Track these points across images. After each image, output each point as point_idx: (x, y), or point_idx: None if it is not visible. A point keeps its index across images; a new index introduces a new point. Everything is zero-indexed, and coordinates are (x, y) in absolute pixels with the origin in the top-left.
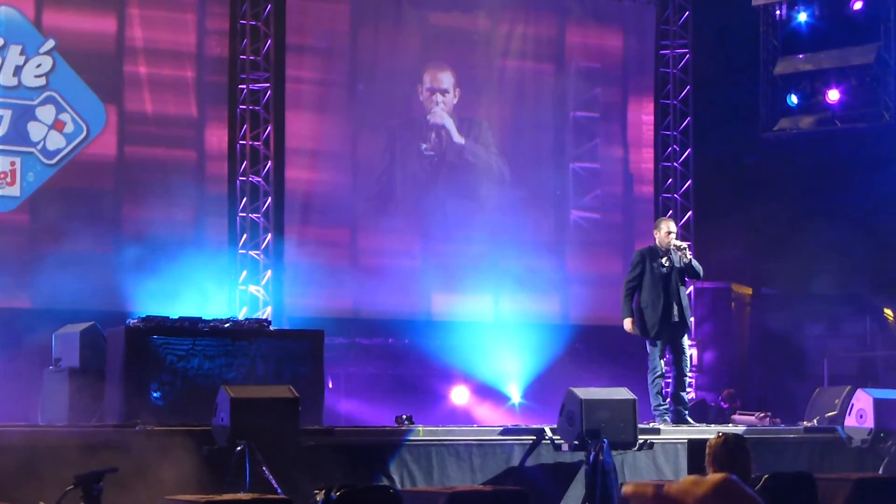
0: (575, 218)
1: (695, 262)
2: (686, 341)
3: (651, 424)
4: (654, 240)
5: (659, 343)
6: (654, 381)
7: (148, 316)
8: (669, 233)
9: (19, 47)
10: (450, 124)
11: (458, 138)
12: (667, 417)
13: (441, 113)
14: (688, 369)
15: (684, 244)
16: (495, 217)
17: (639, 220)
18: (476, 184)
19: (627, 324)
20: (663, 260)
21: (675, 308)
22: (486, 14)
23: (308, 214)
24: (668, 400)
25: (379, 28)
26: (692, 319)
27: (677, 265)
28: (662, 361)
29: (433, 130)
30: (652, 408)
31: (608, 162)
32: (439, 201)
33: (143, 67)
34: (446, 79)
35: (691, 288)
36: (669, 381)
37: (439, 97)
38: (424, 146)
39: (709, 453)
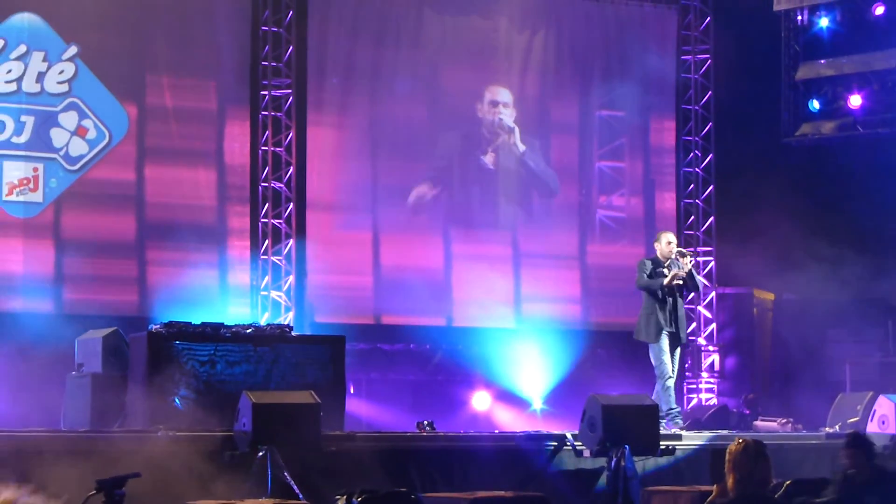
0: (601, 217)
1: (695, 272)
2: (679, 349)
3: (672, 430)
4: (656, 252)
5: (663, 348)
6: (664, 385)
7: (170, 321)
8: (669, 243)
9: (42, 54)
10: (517, 130)
11: (521, 145)
12: (679, 421)
13: (508, 119)
14: (675, 373)
15: (687, 250)
16: (519, 218)
17: (660, 226)
18: (528, 192)
19: (670, 277)
20: (665, 272)
21: (672, 320)
22: (507, 20)
23: (330, 220)
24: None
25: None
26: (713, 326)
27: (678, 279)
28: (668, 366)
29: (500, 133)
30: (663, 412)
31: (629, 167)
32: (480, 205)
33: (165, 73)
34: (505, 93)
35: (712, 294)
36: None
37: (502, 108)
38: (484, 157)
39: (728, 459)
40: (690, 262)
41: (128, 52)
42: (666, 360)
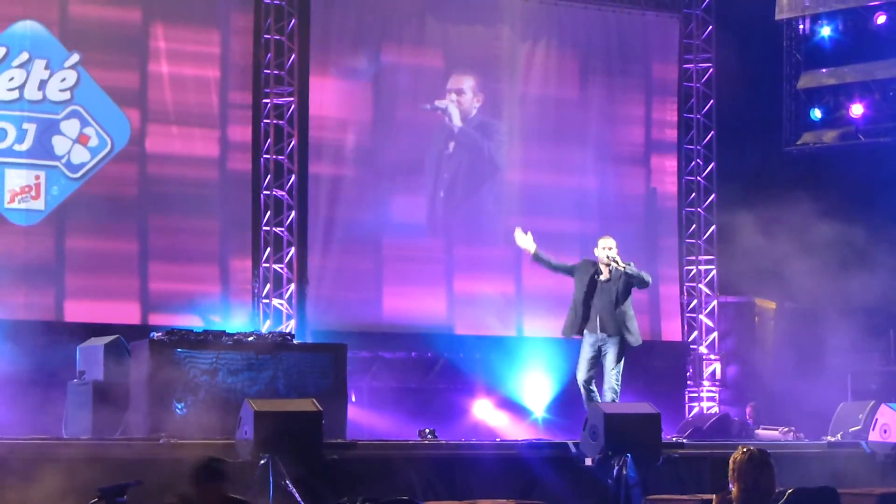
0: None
1: (634, 271)
2: (611, 359)
3: (673, 438)
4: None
5: (585, 350)
6: (580, 384)
7: (172, 329)
8: (605, 248)
9: (44, 62)
10: (453, 111)
11: (457, 122)
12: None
13: (448, 104)
14: (608, 388)
15: (613, 256)
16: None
17: (662, 235)
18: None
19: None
20: (600, 277)
21: (600, 320)
22: (509, 28)
23: (332, 229)
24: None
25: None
26: (714, 335)
27: (616, 282)
28: (585, 366)
29: (437, 115)
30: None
31: (630, 176)
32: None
33: (168, 83)
34: (466, 82)
35: (714, 303)
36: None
37: (454, 96)
38: (447, 151)
39: (733, 468)
40: (622, 264)
41: (129, 58)
42: (583, 361)
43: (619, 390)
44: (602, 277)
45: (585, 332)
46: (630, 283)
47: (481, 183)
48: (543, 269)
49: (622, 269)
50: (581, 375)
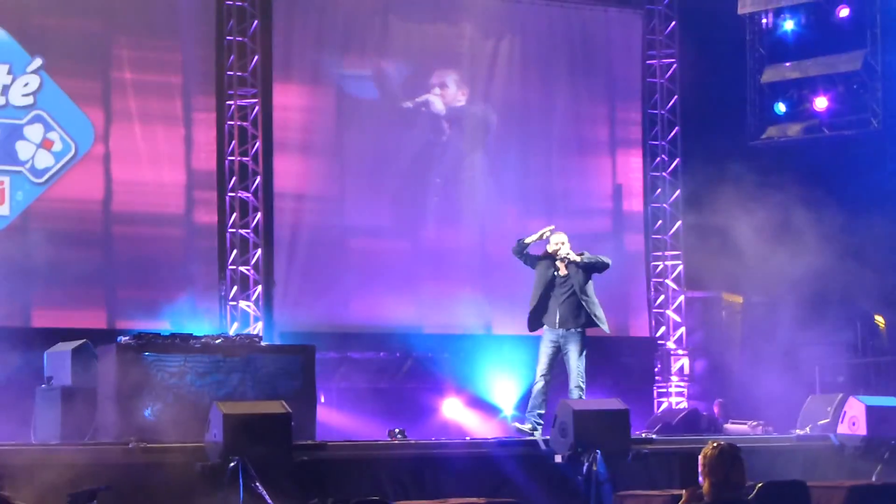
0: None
1: (588, 258)
2: (573, 353)
3: (642, 434)
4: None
5: (543, 347)
6: (532, 383)
7: (139, 333)
8: (557, 243)
9: (6, 66)
10: (435, 101)
11: (439, 108)
12: (528, 426)
13: (431, 97)
14: (574, 386)
15: (571, 253)
16: (488, 225)
17: (627, 231)
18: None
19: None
20: (558, 273)
21: (559, 315)
22: (472, 27)
23: (298, 230)
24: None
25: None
26: (682, 330)
27: (574, 276)
28: (543, 366)
29: (422, 110)
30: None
31: (596, 173)
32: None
33: (130, 88)
34: (450, 77)
35: (681, 298)
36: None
37: (437, 90)
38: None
39: (703, 463)
40: (573, 255)
41: (92, 63)
42: (541, 360)
43: (584, 387)
44: (560, 273)
45: (545, 326)
46: (589, 272)
47: (454, 180)
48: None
49: (578, 259)
50: (540, 370)
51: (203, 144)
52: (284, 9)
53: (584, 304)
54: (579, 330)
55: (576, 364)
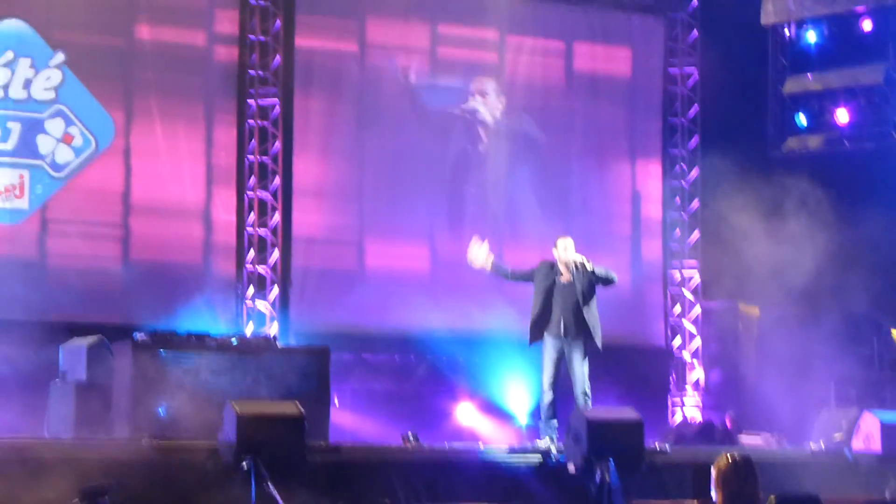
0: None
1: (599, 270)
2: (577, 362)
3: (656, 444)
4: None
5: (546, 358)
6: (541, 396)
7: (155, 330)
8: (566, 248)
9: (29, 60)
10: (482, 109)
11: (489, 118)
12: (550, 435)
13: (476, 104)
14: (581, 392)
15: (580, 257)
16: (506, 229)
17: (645, 239)
18: (514, 164)
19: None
20: (561, 278)
21: (563, 323)
22: (495, 29)
23: (316, 228)
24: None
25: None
26: (698, 341)
27: (579, 282)
28: (548, 378)
29: (471, 118)
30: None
31: (614, 180)
32: (457, 202)
33: (153, 81)
34: (489, 84)
35: (697, 309)
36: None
37: (479, 97)
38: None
39: (716, 475)
40: (589, 265)
41: (114, 59)
42: (545, 372)
43: (590, 393)
44: (562, 279)
45: (546, 335)
46: (594, 282)
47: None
48: (502, 279)
49: (590, 268)
50: (547, 380)
51: (223, 143)
52: (307, 8)
53: (585, 313)
54: (582, 338)
55: (580, 370)
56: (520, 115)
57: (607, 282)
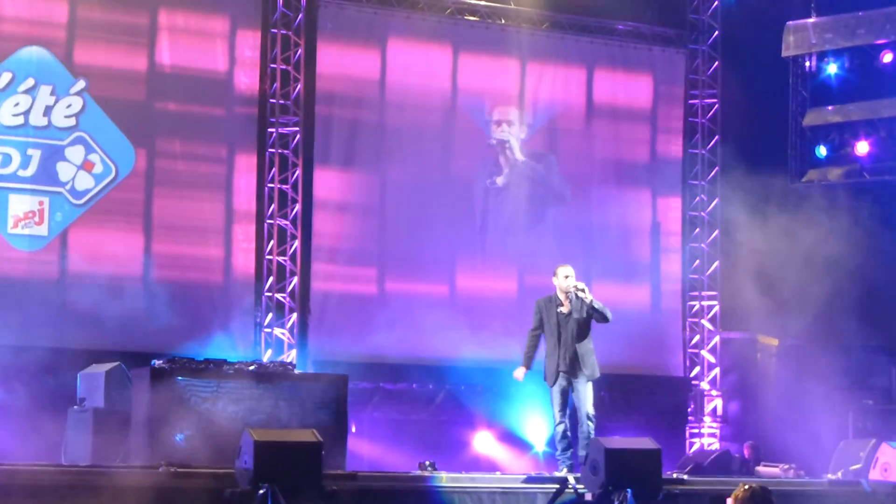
0: (602, 261)
1: (597, 304)
2: (581, 391)
3: (673, 474)
4: (555, 288)
5: (554, 391)
6: (554, 429)
7: (173, 357)
8: (567, 276)
9: (50, 87)
10: (512, 141)
11: (520, 156)
12: (567, 464)
13: (506, 132)
14: (586, 418)
15: (581, 284)
16: (526, 259)
17: (664, 270)
18: (538, 207)
19: (518, 372)
20: (561, 309)
21: (565, 358)
22: (517, 58)
23: (335, 257)
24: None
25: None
26: (716, 371)
27: (576, 314)
28: (558, 410)
29: (503, 149)
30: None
31: (635, 211)
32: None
33: (174, 109)
34: (513, 112)
35: (716, 339)
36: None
37: (506, 126)
38: (489, 181)
39: None
40: (589, 295)
41: (136, 86)
42: (553, 404)
43: (594, 417)
44: (563, 310)
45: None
46: (591, 316)
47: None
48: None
49: (588, 300)
50: (557, 412)
51: (243, 171)
52: (328, 35)
53: (582, 344)
54: (580, 366)
55: (583, 395)
56: (541, 144)
57: (602, 317)
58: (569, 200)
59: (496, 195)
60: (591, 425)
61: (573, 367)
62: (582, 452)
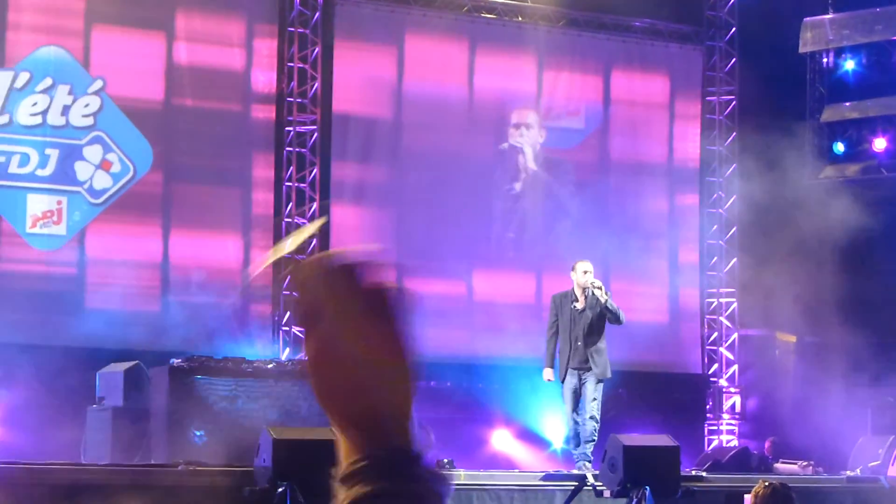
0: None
1: (611, 304)
2: (589, 389)
3: (692, 471)
4: (572, 283)
5: (565, 388)
6: (567, 426)
7: (192, 355)
8: (586, 272)
9: (67, 87)
10: (526, 149)
11: (532, 165)
12: (583, 463)
13: (523, 136)
14: (589, 417)
15: (598, 282)
16: (545, 256)
17: (682, 267)
18: (548, 216)
19: (546, 373)
20: (576, 304)
21: (576, 354)
22: (533, 57)
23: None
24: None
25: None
26: (734, 368)
27: (590, 311)
28: (570, 408)
29: (519, 156)
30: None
31: (653, 207)
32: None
33: (191, 108)
34: (531, 116)
35: (734, 336)
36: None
37: (524, 129)
38: (508, 187)
39: (754, 501)
40: (605, 294)
41: (153, 84)
42: (567, 402)
43: (598, 419)
44: (577, 305)
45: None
46: (605, 316)
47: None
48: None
49: (604, 299)
50: (569, 410)
51: (261, 169)
52: (345, 34)
53: (594, 342)
54: (592, 365)
55: (591, 395)
56: (557, 144)
57: (615, 319)
58: (577, 216)
59: (514, 198)
60: (594, 426)
61: (583, 365)
62: (586, 450)
